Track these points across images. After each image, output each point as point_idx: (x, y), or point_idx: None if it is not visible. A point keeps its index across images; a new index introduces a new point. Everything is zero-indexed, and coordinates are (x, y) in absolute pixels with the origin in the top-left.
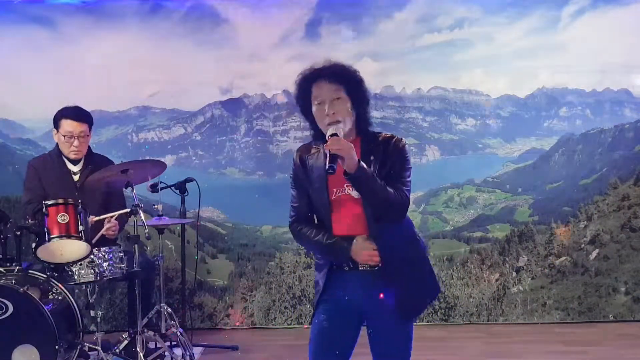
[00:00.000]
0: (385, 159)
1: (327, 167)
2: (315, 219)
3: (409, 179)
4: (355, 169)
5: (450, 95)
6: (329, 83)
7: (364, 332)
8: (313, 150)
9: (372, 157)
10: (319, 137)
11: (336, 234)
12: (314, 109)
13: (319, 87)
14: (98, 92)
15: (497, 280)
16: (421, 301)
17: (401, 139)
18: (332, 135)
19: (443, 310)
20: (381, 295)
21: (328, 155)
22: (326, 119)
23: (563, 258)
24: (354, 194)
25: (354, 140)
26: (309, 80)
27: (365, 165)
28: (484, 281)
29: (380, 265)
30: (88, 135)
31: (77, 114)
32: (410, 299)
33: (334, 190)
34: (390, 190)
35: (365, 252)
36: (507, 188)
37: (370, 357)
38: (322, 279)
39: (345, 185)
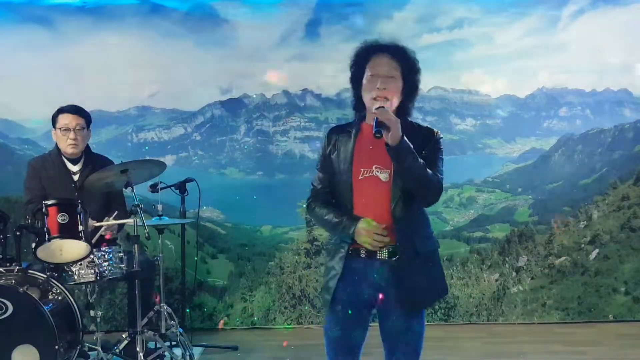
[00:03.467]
0: (421, 148)
1: (374, 130)
2: (336, 202)
3: (442, 169)
4: (399, 141)
5: (450, 95)
6: (389, 58)
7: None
8: (345, 132)
9: None
10: (358, 107)
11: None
12: (365, 79)
13: (378, 59)
14: (98, 92)
15: (497, 280)
16: (429, 297)
17: (437, 131)
18: (379, 107)
19: (443, 310)
20: (380, 296)
21: (375, 121)
22: (374, 92)
23: (563, 258)
24: (382, 176)
25: None
26: (369, 51)
27: (407, 140)
28: (484, 281)
29: (392, 252)
30: (85, 129)
31: (73, 107)
32: (420, 294)
33: (362, 170)
34: (429, 170)
35: (367, 232)
36: (507, 188)
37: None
38: (339, 265)
39: (374, 166)
